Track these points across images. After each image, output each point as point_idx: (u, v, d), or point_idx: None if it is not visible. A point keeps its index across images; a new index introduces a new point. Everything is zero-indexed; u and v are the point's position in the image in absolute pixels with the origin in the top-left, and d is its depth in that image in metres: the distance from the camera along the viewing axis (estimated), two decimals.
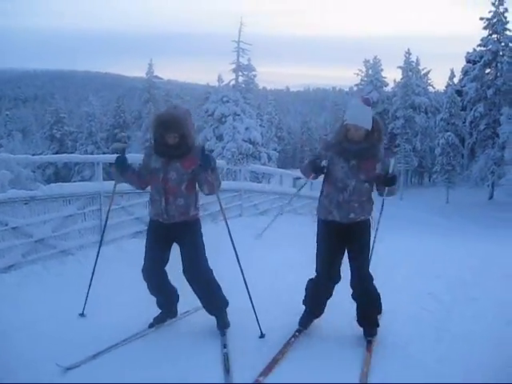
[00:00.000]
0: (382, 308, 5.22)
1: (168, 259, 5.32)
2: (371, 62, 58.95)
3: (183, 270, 5.18)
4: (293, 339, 5.05)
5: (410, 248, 10.71)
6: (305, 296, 5.34)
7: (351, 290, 5.09)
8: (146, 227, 5.45)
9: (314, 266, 5.19)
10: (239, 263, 5.30)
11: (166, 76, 59.49)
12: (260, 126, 45.70)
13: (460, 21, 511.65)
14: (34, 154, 31.71)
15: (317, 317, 5.37)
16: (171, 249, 5.30)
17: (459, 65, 54.38)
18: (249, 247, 8.04)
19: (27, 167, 36.03)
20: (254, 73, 48.02)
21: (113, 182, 5.60)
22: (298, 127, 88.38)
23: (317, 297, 5.25)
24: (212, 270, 5.28)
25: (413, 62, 55.64)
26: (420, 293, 6.84)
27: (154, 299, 5.50)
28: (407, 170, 54.53)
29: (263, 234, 5.55)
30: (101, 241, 5.99)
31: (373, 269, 5.09)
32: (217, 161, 5.34)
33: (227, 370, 4.49)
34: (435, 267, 8.47)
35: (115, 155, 5.64)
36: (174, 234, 5.20)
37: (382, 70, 58.57)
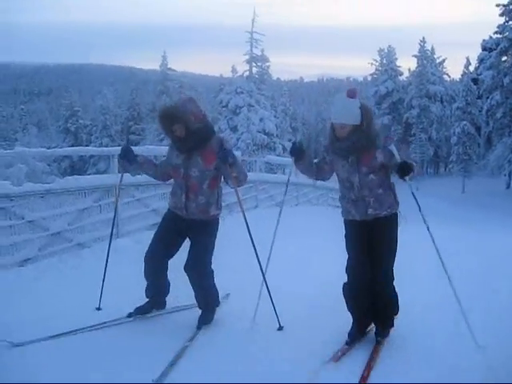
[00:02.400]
0: (399, 309, 5.03)
1: (175, 253, 5.22)
2: (386, 51, 58.69)
3: (185, 264, 5.03)
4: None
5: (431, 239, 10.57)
6: (346, 303, 5.03)
7: (373, 289, 4.86)
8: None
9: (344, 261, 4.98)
10: (257, 256, 5.17)
11: (179, 68, 59.40)
12: (274, 116, 45.59)
13: (476, 8, 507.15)
14: (49, 148, 31.87)
15: (366, 326, 5.05)
16: (181, 245, 5.21)
17: (475, 53, 53.77)
18: (266, 238, 7.99)
19: (43, 161, 36.26)
20: (267, 64, 47.93)
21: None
22: (313, 118, 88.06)
23: (353, 300, 4.95)
24: (213, 272, 5.17)
25: (428, 50, 55.34)
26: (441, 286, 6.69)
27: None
28: (423, 159, 54.22)
29: (278, 226, 5.41)
30: (111, 234, 5.85)
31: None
32: (235, 153, 5.18)
33: (167, 370, 4.17)
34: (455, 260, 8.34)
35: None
36: (189, 230, 5.08)
37: (396, 59, 58.32)
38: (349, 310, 5.00)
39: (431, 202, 38.70)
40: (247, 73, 46.21)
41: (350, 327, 4.94)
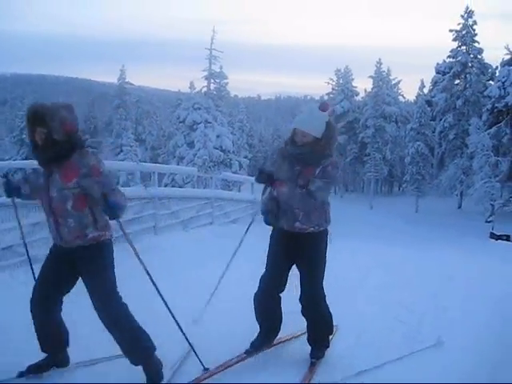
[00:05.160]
0: (334, 329, 5.01)
1: (67, 290, 4.32)
2: (342, 71, 59.54)
3: (93, 306, 4.13)
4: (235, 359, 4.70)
5: (380, 256, 10.76)
6: (255, 312, 4.92)
7: (300, 306, 4.80)
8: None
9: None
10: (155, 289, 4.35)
11: (137, 82, 59.37)
12: (231, 133, 45.72)
13: (431, 33, 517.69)
14: (2, 160, 31.35)
15: (272, 338, 5.00)
16: (73, 280, 4.29)
17: (429, 75, 55.02)
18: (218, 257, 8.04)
19: None
20: (225, 80, 48.20)
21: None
22: (269, 135, 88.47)
23: (263, 309, 4.87)
24: (127, 306, 4.22)
25: (384, 71, 56.37)
26: (391, 303, 6.83)
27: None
28: (377, 178, 55.08)
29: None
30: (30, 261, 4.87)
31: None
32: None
33: None
34: (404, 276, 8.51)
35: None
36: (74, 261, 4.17)
37: (352, 79, 59.22)
38: (257, 320, 4.93)
39: (385, 220, 39.42)
40: (205, 89, 46.34)
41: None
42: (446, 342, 5.33)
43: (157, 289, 4.32)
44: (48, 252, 4.39)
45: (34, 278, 4.43)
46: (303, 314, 4.81)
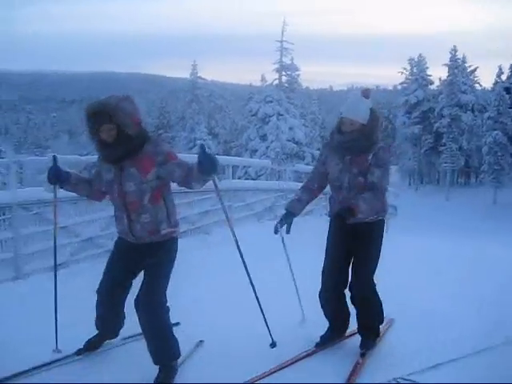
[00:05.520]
0: (384, 318, 4.95)
1: (130, 286, 4.40)
2: (416, 60, 58.31)
3: (135, 299, 4.14)
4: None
5: (454, 249, 10.48)
6: (322, 308, 4.97)
7: (350, 294, 4.80)
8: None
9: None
10: (248, 278, 4.40)
11: (209, 76, 59.83)
12: (304, 125, 45.57)
13: (510, 16, 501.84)
14: (80, 155, 32.21)
15: (341, 332, 5.03)
16: (137, 273, 4.34)
17: (508, 61, 53.34)
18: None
19: (73, 168, 36.60)
20: (297, 72, 48.05)
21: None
22: None
23: (328, 303, 4.90)
24: (168, 309, 4.21)
25: (459, 59, 54.84)
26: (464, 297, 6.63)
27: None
28: (453, 169, 53.72)
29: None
30: (55, 265, 4.85)
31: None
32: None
33: None
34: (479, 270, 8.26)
35: None
36: (141, 256, 4.18)
37: (427, 68, 57.90)
38: (325, 316, 4.97)
39: (461, 213, 38.52)
40: (277, 81, 46.32)
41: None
42: None
43: (249, 279, 4.33)
44: (113, 247, 4.44)
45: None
46: (353, 302, 4.81)
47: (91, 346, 4.54)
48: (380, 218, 4.69)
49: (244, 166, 37.20)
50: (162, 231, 4.10)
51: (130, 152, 3.96)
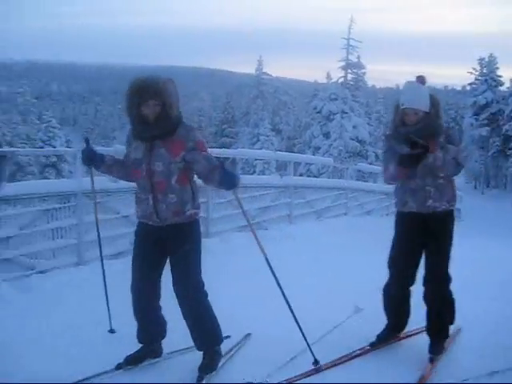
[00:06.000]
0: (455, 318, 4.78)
1: (161, 272, 4.31)
2: (486, 59, 56.94)
3: (173, 283, 4.15)
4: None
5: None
6: (383, 302, 4.85)
7: (423, 290, 4.63)
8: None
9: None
10: (278, 283, 4.36)
11: (274, 73, 59.75)
12: (368, 124, 45.12)
13: None
14: None
15: (398, 330, 4.91)
16: (165, 260, 4.29)
17: None
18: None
19: None
20: (363, 70, 47.49)
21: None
22: None
23: (391, 299, 4.78)
24: (206, 293, 4.23)
25: None
26: None
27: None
28: None
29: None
30: (100, 254, 4.85)
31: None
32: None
33: None
34: None
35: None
36: (166, 239, 4.16)
37: (497, 68, 56.42)
38: (385, 311, 4.84)
39: None
40: (342, 79, 45.98)
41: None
42: None
43: (277, 281, 4.31)
44: (135, 238, 4.33)
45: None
46: (425, 299, 4.64)
47: (132, 360, 4.35)
48: (452, 207, 4.57)
49: (306, 164, 37.09)
50: (186, 212, 4.09)
51: (166, 132, 3.99)
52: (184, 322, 4.20)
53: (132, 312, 4.33)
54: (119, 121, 76.01)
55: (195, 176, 4.19)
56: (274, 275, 4.32)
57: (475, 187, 58.26)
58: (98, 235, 4.78)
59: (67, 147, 34.55)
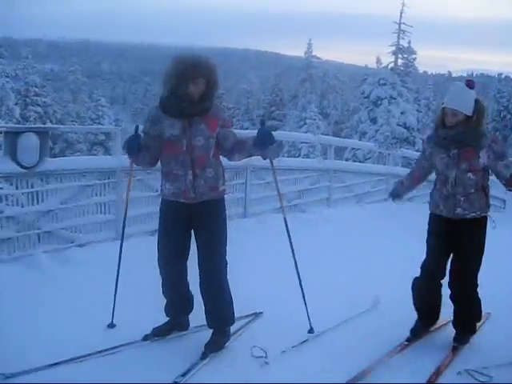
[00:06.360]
0: (485, 316, 4.93)
1: (188, 252, 4.43)
2: None
3: (198, 260, 4.29)
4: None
5: None
6: (413, 298, 4.94)
7: (449, 291, 4.73)
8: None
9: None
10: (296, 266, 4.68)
11: (323, 56, 59.13)
12: (417, 110, 44.51)
13: None
14: None
15: (430, 325, 4.97)
16: (190, 237, 4.40)
17: None
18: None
19: None
20: (413, 56, 46.69)
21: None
22: None
23: (422, 298, 4.85)
24: (226, 274, 4.34)
25: None
26: None
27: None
28: None
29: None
30: (122, 235, 4.97)
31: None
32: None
33: None
34: None
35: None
36: (195, 216, 4.25)
37: None
38: (414, 306, 4.89)
39: None
40: (392, 64, 45.38)
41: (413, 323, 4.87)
42: None
43: (295, 264, 4.59)
44: (162, 216, 4.41)
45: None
46: (452, 299, 4.74)
47: (160, 332, 4.51)
48: (483, 214, 4.60)
49: (352, 149, 36.87)
50: (220, 187, 4.30)
51: (207, 109, 4.17)
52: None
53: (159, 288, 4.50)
54: None
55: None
56: (294, 258, 4.56)
57: None
58: (125, 214, 4.95)
59: (116, 125, 35.04)
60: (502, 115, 62.15)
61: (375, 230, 9.20)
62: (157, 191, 7.65)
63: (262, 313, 5.11)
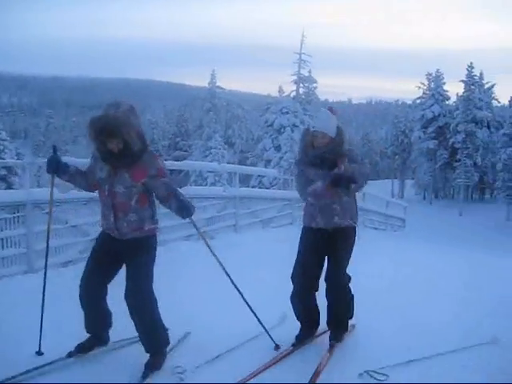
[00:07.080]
0: (354, 313, 5.36)
1: (112, 277, 4.61)
2: (433, 75, 58.38)
3: (125, 293, 4.40)
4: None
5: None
6: (293, 309, 5.30)
7: (325, 286, 5.12)
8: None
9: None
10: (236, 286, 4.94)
11: (227, 86, 59.83)
12: None
13: None
14: None
15: (312, 332, 5.33)
16: (119, 269, 4.60)
17: None
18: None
19: None
20: (314, 84, 48.31)
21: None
22: (359, 139, 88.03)
23: (300, 305, 5.24)
24: (156, 299, 4.51)
25: (476, 76, 54.82)
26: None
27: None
28: (467, 185, 53.68)
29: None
30: (45, 265, 4.87)
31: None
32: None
33: None
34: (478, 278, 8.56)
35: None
36: (124, 252, 4.45)
37: (444, 83, 57.88)
38: (296, 315, 5.28)
39: (473, 227, 38.56)
40: (294, 93, 46.63)
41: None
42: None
43: (231, 280, 4.84)
44: (95, 242, 4.68)
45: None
46: (326, 295, 5.14)
47: (82, 348, 4.65)
48: (354, 224, 5.12)
49: (258, 176, 37.51)
50: (145, 227, 4.40)
51: (131, 162, 4.26)
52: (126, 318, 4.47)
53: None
54: (71, 134, 75.38)
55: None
56: (228, 276, 4.87)
57: (424, 198, 59.65)
58: (47, 245, 4.95)
59: (18, 159, 34.16)
60: (399, 139, 64.74)
61: (279, 253, 9.51)
62: (66, 223, 7.79)
63: (189, 333, 5.32)
